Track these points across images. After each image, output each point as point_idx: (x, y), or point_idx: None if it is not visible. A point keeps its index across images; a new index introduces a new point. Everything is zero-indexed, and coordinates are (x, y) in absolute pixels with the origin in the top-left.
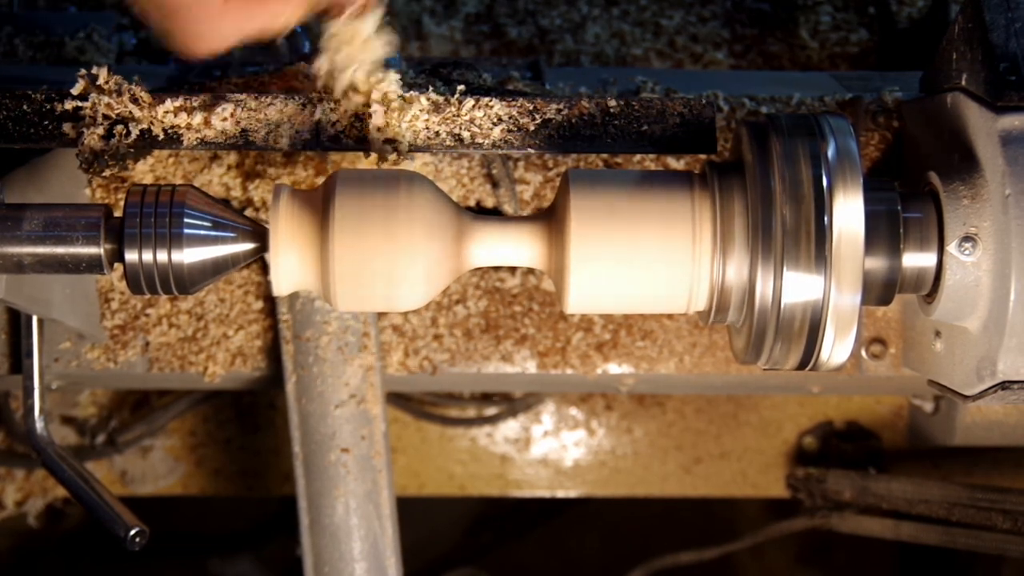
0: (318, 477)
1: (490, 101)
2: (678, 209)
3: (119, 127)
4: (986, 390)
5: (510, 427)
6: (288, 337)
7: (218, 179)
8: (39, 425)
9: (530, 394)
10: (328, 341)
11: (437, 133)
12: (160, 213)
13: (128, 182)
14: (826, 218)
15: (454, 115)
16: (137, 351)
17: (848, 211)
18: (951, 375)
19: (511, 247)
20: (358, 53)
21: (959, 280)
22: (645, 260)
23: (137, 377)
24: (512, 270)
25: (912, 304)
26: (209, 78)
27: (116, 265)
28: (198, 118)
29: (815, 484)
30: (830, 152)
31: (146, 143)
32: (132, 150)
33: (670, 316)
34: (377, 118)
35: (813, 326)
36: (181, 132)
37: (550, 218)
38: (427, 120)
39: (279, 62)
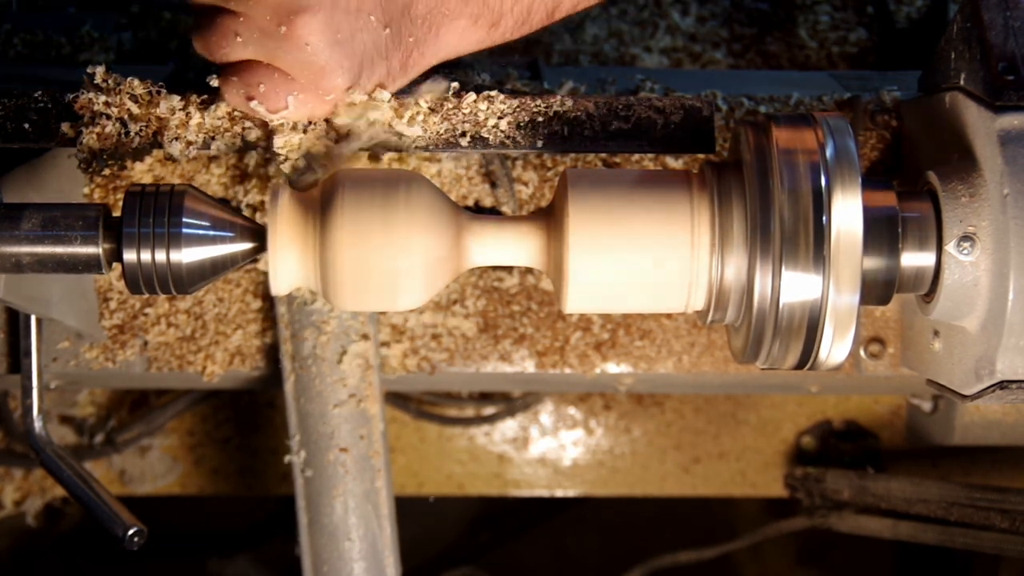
0: (317, 476)
1: (489, 100)
2: (677, 208)
3: (117, 126)
4: (984, 389)
5: (508, 426)
6: (287, 336)
7: (216, 179)
8: (37, 424)
9: (528, 394)
10: (327, 340)
11: (436, 132)
12: (158, 213)
13: (126, 182)
14: (825, 218)
15: (453, 114)
16: (136, 350)
17: (847, 211)
18: (950, 374)
19: (510, 247)
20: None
21: (957, 279)
22: (643, 260)
23: (136, 376)
24: (510, 269)
25: (911, 303)
26: (208, 77)
27: (114, 265)
28: (197, 117)
29: (813, 483)
30: (829, 152)
31: (144, 142)
32: (130, 149)
33: (669, 315)
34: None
35: (811, 325)
36: (180, 131)
37: (549, 218)
38: (425, 119)
39: None
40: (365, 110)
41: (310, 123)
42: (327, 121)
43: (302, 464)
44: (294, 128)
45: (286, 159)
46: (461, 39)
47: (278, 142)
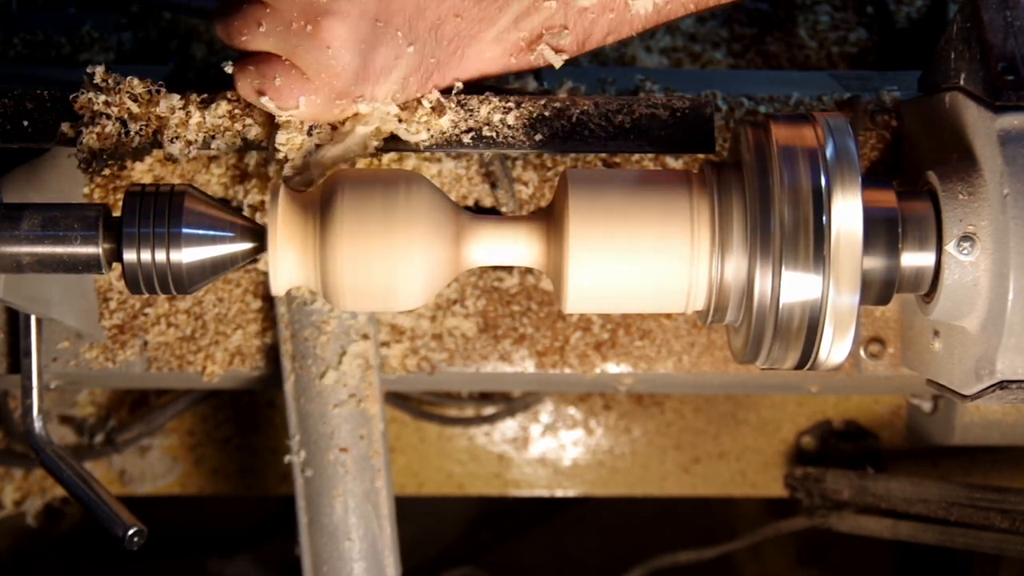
0: (317, 477)
1: (489, 101)
2: (676, 208)
3: (117, 125)
4: (984, 389)
5: (508, 426)
6: (286, 336)
7: (217, 179)
8: (37, 424)
9: (528, 393)
10: (327, 340)
11: (439, 131)
12: (158, 213)
13: (126, 182)
14: (824, 218)
15: (454, 112)
16: (135, 350)
17: (846, 211)
18: (949, 374)
19: (510, 246)
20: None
21: (957, 279)
22: (643, 259)
23: (135, 376)
24: (510, 269)
25: (910, 303)
26: (208, 76)
27: (114, 265)
28: (197, 116)
29: (813, 483)
30: (828, 152)
31: (144, 142)
32: (130, 149)
33: (668, 315)
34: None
35: (811, 326)
36: (179, 131)
37: (548, 217)
38: (428, 120)
39: None
40: (372, 120)
41: (315, 125)
42: (331, 125)
43: (302, 464)
44: (299, 128)
45: (285, 157)
46: (486, 64)
47: (281, 138)
